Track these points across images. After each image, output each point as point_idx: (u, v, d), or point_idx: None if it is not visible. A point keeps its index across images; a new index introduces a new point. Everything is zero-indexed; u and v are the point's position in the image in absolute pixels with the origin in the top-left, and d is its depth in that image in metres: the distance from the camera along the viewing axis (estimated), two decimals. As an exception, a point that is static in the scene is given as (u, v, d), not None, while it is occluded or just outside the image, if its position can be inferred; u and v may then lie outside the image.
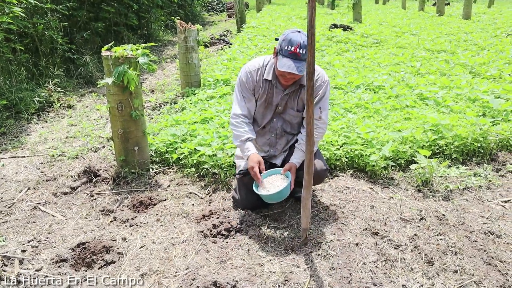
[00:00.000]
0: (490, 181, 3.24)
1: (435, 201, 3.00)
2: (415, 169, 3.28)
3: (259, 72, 2.73)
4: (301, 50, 2.41)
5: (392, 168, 3.47)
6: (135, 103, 3.45)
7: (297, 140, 2.83)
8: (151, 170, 3.70)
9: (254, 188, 2.64)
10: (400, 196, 3.07)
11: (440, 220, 2.74)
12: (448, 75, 5.91)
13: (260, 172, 2.63)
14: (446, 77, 5.68)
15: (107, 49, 3.39)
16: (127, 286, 2.23)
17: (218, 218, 2.80)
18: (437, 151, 3.64)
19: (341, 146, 3.58)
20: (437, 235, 2.57)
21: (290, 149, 2.89)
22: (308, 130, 2.12)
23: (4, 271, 2.33)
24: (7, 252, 2.54)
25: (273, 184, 2.65)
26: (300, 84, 2.68)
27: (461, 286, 2.16)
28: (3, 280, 2.27)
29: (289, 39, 2.43)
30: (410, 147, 3.54)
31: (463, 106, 4.35)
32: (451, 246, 2.45)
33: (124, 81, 3.25)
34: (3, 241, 2.70)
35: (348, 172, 3.42)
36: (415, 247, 2.46)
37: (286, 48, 2.43)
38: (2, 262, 2.40)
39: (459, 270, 2.27)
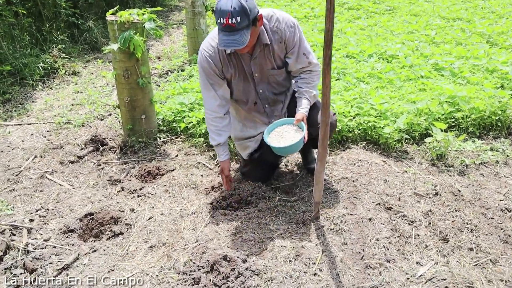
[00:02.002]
0: (507, 156, 3.13)
1: (450, 176, 2.92)
2: (430, 142, 3.18)
3: (219, 50, 2.40)
4: (233, 19, 2.05)
5: (406, 141, 3.37)
6: (142, 70, 3.34)
7: (294, 92, 2.59)
8: (158, 139, 3.64)
9: (265, 137, 2.40)
10: (414, 170, 2.99)
11: (456, 195, 2.67)
12: (465, 44, 5.68)
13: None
14: (462, 47, 5.46)
15: (112, 14, 3.25)
16: (136, 258, 2.20)
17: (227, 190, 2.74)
18: (452, 124, 3.52)
19: (353, 118, 3.47)
20: (452, 211, 2.50)
21: (290, 104, 2.68)
22: (324, 101, 2.01)
23: (13, 240, 2.31)
24: (15, 221, 2.52)
25: (285, 136, 2.41)
26: (263, 43, 2.37)
27: (476, 265, 2.11)
28: (12, 249, 2.25)
29: (219, 9, 2.08)
30: (425, 120, 3.42)
31: (481, 77, 4.18)
32: (467, 223, 2.38)
33: (130, 48, 3.13)
34: (11, 209, 2.68)
35: (361, 144, 3.33)
36: (429, 223, 2.40)
37: (218, 21, 2.10)
38: (11, 231, 2.38)
39: (474, 248, 2.21)
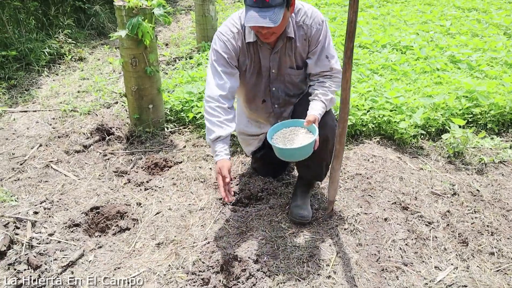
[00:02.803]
0: (528, 154, 3.02)
1: (468, 174, 2.81)
2: (447, 139, 3.07)
3: (240, 37, 2.15)
4: None
5: (422, 136, 3.25)
6: (150, 58, 3.24)
7: (307, 94, 2.30)
8: (166, 129, 3.55)
9: (268, 137, 2.12)
10: (431, 167, 2.88)
11: (474, 196, 2.56)
12: (481, 36, 5.51)
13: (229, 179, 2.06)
14: (479, 39, 5.30)
15: (120, -1, 3.14)
16: (143, 255, 2.13)
17: (237, 184, 2.66)
18: (470, 120, 3.40)
19: (367, 111, 3.36)
20: (472, 213, 2.40)
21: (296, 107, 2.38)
22: (343, 96, 1.90)
23: (17, 234, 2.24)
24: (19, 213, 2.45)
25: (292, 138, 2.10)
26: (287, 36, 2.14)
27: (498, 270, 2.02)
28: (16, 243, 2.18)
29: None
30: (441, 115, 3.30)
31: (499, 71, 4.04)
32: (487, 226, 2.29)
33: (139, 34, 3.02)
34: (15, 201, 2.61)
35: (375, 139, 3.22)
36: (447, 224, 2.31)
37: None
38: (15, 224, 2.31)
39: (496, 252, 2.11)
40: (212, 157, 3.07)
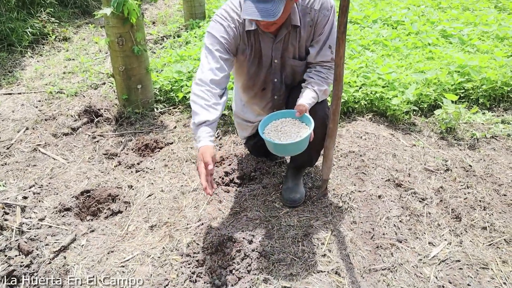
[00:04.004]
0: (519, 129, 3.02)
1: (460, 150, 2.81)
2: (439, 114, 3.05)
3: (240, 24, 1.98)
4: None
5: (414, 112, 3.24)
6: (137, 36, 3.14)
7: (301, 81, 2.17)
8: (155, 109, 3.48)
9: (260, 131, 1.98)
10: (423, 143, 2.87)
11: (467, 171, 2.57)
12: (472, 9, 5.47)
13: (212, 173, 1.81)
14: (470, 12, 5.25)
15: (103, -25, 3.02)
16: (136, 238, 2.10)
17: (230, 165, 2.62)
18: (462, 95, 3.39)
19: (360, 88, 3.32)
20: (464, 188, 2.41)
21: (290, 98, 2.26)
22: (337, 73, 1.86)
23: (6, 220, 2.20)
24: (8, 198, 2.40)
25: (285, 131, 1.96)
26: (292, 24, 1.98)
27: (490, 244, 2.03)
28: (5, 229, 2.14)
29: None
30: (434, 90, 3.28)
31: (491, 45, 4.01)
32: (479, 201, 2.30)
33: (125, 12, 2.93)
34: (3, 186, 2.55)
35: (367, 116, 3.20)
36: (441, 200, 2.31)
37: None
38: (3, 210, 2.26)
39: (488, 226, 2.13)
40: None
